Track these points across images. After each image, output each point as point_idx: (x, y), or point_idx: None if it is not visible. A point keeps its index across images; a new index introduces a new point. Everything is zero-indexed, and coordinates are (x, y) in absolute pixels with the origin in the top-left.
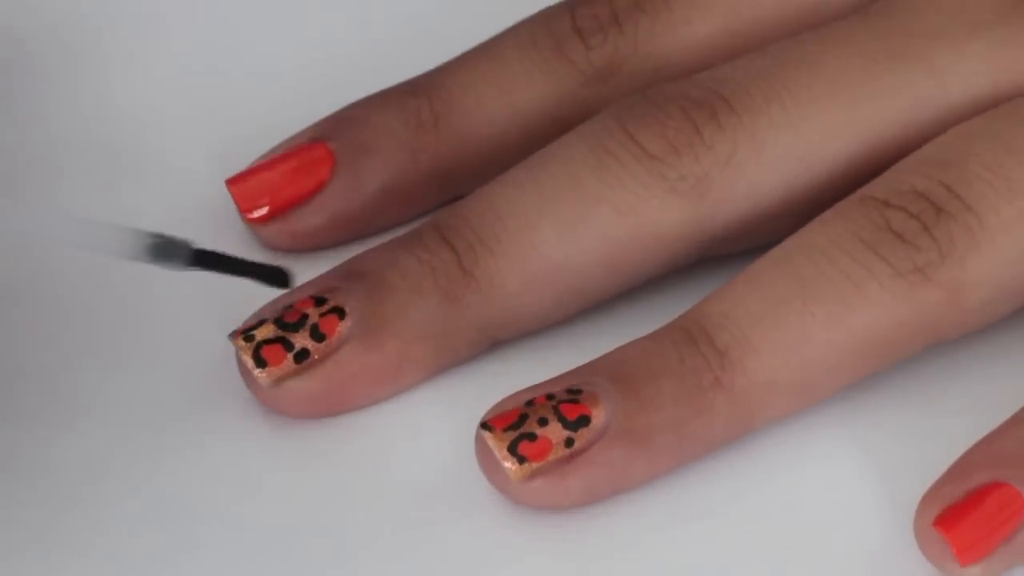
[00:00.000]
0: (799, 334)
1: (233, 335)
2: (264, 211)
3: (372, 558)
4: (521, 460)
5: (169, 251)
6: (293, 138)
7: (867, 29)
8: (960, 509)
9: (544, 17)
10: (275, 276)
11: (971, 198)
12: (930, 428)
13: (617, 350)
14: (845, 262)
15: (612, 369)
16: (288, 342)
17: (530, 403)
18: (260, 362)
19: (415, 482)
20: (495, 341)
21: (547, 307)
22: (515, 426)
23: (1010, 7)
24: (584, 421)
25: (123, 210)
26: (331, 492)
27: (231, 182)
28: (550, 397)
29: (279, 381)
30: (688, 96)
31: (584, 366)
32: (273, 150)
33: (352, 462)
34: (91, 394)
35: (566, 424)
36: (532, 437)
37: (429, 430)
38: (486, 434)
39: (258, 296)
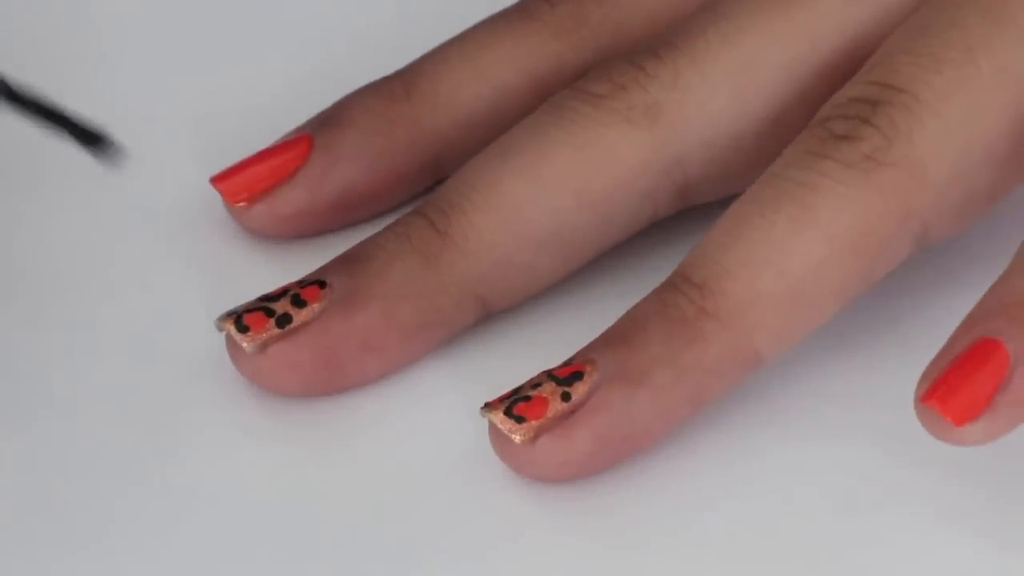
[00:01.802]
0: (766, 245)
1: (219, 318)
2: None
3: (372, 544)
4: (519, 420)
5: None
6: (279, 140)
7: None
8: (944, 376)
9: (517, 2)
10: (90, 136)
11: (901, 82)
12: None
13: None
14: (796, 173)
15: (603, 336)
16: (269, 309)
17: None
18: (242, 327)
19: (418, 466)
20: (485, 304)
21: (528, 256)
22: (509, 396)
23: None
24: (577, 375)
25: (114, 203)
26: (332, 477)
27: (216, 179)
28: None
29: (264, 346)
30: (632, 50)
31: (581, 348)
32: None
33: (353, 450)
34: (85, 387)
35: (559, 381)
36: (527, 398)
37: (432, 415)
38: (486, 411)
39: (255, 288)
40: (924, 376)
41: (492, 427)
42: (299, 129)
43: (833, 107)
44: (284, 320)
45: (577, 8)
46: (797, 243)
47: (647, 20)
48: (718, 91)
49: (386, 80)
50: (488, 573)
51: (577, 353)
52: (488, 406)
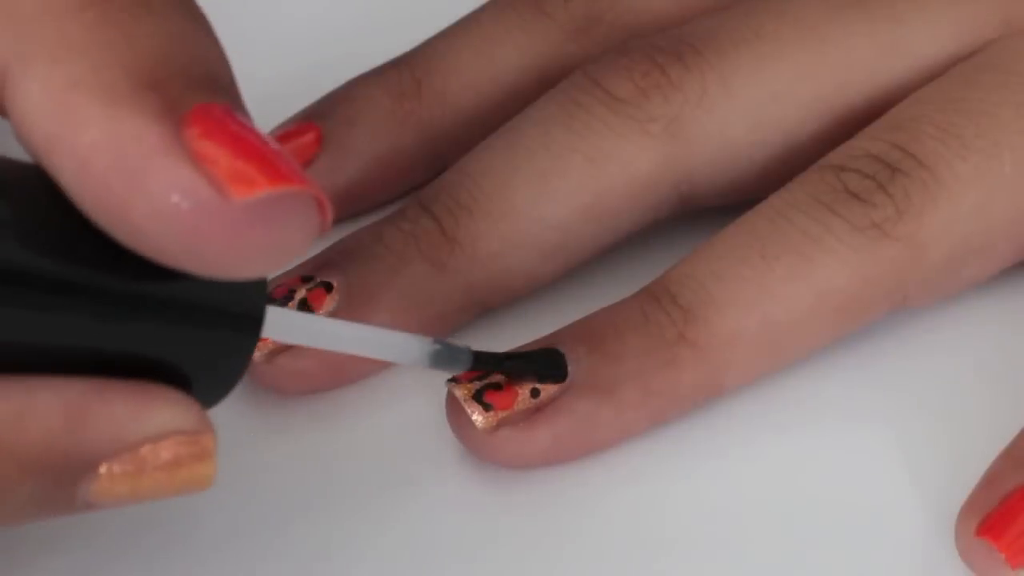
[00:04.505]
0: (759, 288)
1: None
2: None
3: (371, 539)
4: (487, 407)
5: (451, 357)
6: (283, 124)
7: None
8: (1000, 514)
9: None
10: (553, 363)
11: (924, 156)
12: (957, 437)
13: (583, 318)
14: (803, 220)
15: (578, 331)
16: None
17: None
18: None
19: (418, 462)
20: (485, 306)
21: (532, 265)
22: (481, 377)
23: None
24: None
25: None
26: (332, 472)
27: None
28: None
29: (270, 357)
30: (655, 45)
31: (550, 333)
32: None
33: (352, 445)
34: None
35: None
36: (498, 387)
37: (431, 412)
38: (452, 385)
39: None
40: (971, 508)
41: (452, 402)
42: (303, 114)
43: (850, 157)
44: None
45: (590, 7)
46: (788, 292)
47: (660, 23)
48: (741, 118)
49: (395, 67)
50: (487, 568)
51: (551, 337)
52: (456, 380)
